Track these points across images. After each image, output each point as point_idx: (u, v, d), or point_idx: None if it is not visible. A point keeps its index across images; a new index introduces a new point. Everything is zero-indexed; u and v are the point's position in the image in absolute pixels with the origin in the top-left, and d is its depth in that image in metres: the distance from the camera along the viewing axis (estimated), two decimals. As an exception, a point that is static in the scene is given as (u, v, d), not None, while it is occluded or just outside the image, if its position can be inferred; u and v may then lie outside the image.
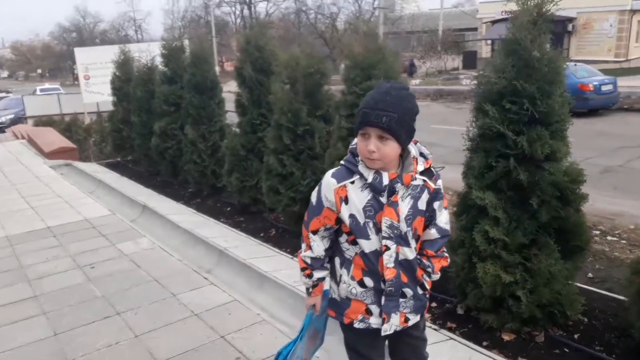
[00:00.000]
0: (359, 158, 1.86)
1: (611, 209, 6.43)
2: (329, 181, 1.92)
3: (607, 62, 25.43)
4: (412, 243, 1.91)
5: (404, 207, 1.85)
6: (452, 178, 4.00)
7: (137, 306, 4.02)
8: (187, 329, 3.67)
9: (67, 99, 23.25)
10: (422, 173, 1.88)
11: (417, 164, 1.87)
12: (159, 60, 8.95)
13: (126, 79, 10.35)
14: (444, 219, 1.98)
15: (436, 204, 1.94)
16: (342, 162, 1.93)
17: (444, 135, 11.12)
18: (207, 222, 6.31)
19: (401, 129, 1.76)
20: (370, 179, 1.83)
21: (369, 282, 1.94)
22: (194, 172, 7.52)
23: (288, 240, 5.62)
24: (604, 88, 14.74)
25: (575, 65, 16.52)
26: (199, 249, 5.44)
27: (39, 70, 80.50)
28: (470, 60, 33.75)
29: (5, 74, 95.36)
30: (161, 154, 8.57)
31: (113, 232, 5.95)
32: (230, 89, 13.41)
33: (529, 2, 2.92)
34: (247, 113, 6.29)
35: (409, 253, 1.91)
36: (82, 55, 16.49)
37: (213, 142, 7.40)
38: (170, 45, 8.38)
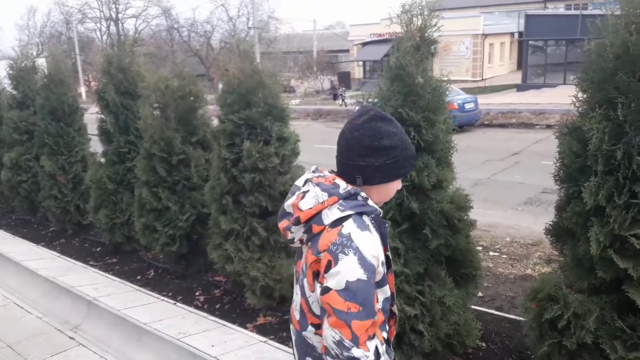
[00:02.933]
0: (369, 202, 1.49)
1: (486, 221, 6.73)
2: (371, 238, 1.42)
3: (465, 81, 27.61)
4: None
5: None
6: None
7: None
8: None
9: None
10: None
11: None
12: (6, 82, 7.86)
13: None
14: None
15: None
16: (351, 210, 1.43)
17: (330, 156, 11.14)
18: (73, 267, 5.54)
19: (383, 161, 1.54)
20: (384, 227, 1.52)
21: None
22: (54, 208, 6.62)
23: (169, 281, 5.08)
24: (467, 106, 15.84)
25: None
26: (63, 301, 4.72)
27: None
28: (344, 80, 34.95)
29: None
30: (14, 188, 7.49)
31: (-50, 290, 4.97)
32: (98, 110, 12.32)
33: (411, 26, 2.83)
34: (113, 141, 5.66)
35: None
36: None
37: (74, 173, 6.58)
38: (19, 65, 7.39)
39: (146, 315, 4.12)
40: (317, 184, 1.50)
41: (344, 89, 26.78)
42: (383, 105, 2.87)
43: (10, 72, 7.49)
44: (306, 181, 1.55)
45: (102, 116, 5.73)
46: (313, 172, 1.60)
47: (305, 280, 1.50)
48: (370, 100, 3.01)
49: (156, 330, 3.84)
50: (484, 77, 30.08)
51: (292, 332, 1.67)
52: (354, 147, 1.47)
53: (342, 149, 1.51)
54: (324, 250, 1.39)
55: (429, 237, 2.98)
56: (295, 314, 1.60)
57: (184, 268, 5.12)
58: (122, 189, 5.70)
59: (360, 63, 35.53)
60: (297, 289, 1.60)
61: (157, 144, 4.70)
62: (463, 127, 16.30)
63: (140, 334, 3.92)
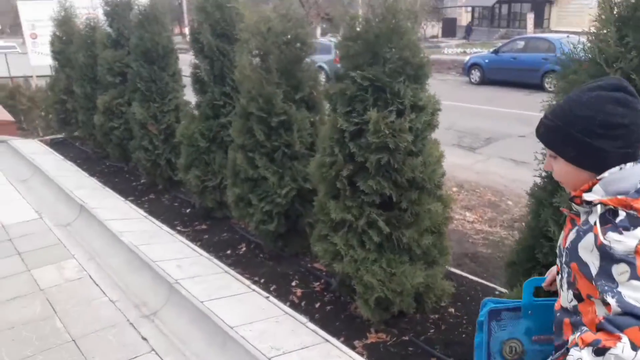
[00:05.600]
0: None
1: None
2: None
3: (587, 33, 24.19)
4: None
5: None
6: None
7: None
8: None
9: (17, 59, 21.02)
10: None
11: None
12: (103, 19, 7.35)
13: (67, 40, 8.68)
14: None
15: None
16: None
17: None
18: (158, 233, 4.97)
19: (561, 141, 1.34)
20: None
21: None
22: (144, 161, 6.09)
23: (262, 262, 4.34)
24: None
25: (567, 37, 15.34)
26: (143, 276, 4.14)
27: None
28: (449, 27, 32.31)
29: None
30: (106, 134, 7.08)
31: (33, 248, 4.57)
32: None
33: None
34: (207, 91, 4.88)
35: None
36: (27, 10, 14.36)
37: (167, 124, 5.96)
38: (114, 0, 6.79)
39: (234, 314, 3.39)
40: None
41: None
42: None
43: (106, 7, 6.92)
44: None
45: (197, 61, 4.94)
46: None
47: None
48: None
49: (244, 340, 3.08)
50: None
51: None
52: None
53: None
54: None
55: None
56: None
57: (281, 249, 4.33)
58: (215, 147, 4.96)
59: (469, 8, 32.49)
60: None
61: (255, 101, 3.83)
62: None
63: (225, 339, 3.20)
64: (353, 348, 3.12)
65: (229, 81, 4.78)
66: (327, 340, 3.13)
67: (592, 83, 1.32)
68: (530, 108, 11.78)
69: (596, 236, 1.24)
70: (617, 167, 1.28)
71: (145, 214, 5.49)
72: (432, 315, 3.22)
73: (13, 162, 8.01)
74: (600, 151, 1.28)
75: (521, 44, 16.03)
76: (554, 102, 1.42)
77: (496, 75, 15.68)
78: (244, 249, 4.65)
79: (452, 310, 3.27)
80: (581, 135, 1.28)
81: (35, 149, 8.72)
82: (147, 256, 4.30)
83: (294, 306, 3.64)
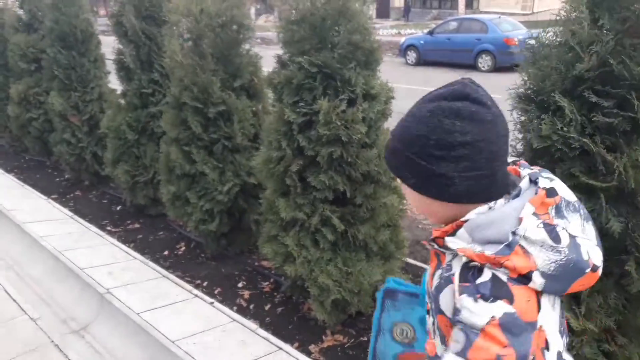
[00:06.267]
0: None
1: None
2: None
3: (514, 14, 24.96)
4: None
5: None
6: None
7: None
8: None
9: None
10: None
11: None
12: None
13: (-28, 22, 7.81)
14: None
15: None
16: None
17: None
18: (86, 234, 4.53)
19: (402, 166, 1.04)
20: None
21: None
22: (67, 155, 5.55)
23: (203, 263, 4.03)
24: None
25: (499, 17, 15.71)
26: (70, 286, 3.75)
27: None
28: (383, 8, 32.52)
29: None
30: (24, 127, 6.43)
31: (-64, 260, 4.02)
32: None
33: None
34: (134, 79, 4.45)
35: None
36: None
37: (90, 114, 5.44)
38: (23, -23, 6.11)
39: (175, 325, 3.09)
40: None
41: None
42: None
43: (14, -15, 6.23)
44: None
45: (120, 46, 4.48)
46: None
47: None
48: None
49: (188, 356, 2.80)
50: (534, 11, 27.26)
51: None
52: None
53: None
54: None
55: None
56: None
57: (224, 248, 4.04)
58: (145, 139, 4.56)
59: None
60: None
61: (189, 90, 3.48)
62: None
63: (166, 355, 2.90)
64: (309, 354, 2.91)
65: (158, 67, 4.38)
66: (280, 348, 2.91)
67: (436, 90, 1.05)
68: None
69: (454, 291, 1.01)
70: (486, 207, 1.00)
71: (70, 214, 5.01)
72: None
73: None
74: (442, 177, 1.00)
75: (455, 24, 16.25)
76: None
77: (432, 56, 15.83)
78: (183, 248, 4.32)
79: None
80: (418, 158, 1.00)
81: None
82: (73, 263, 3.89)
83: (242, 311, 3.37)
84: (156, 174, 4.49)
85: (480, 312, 0.93)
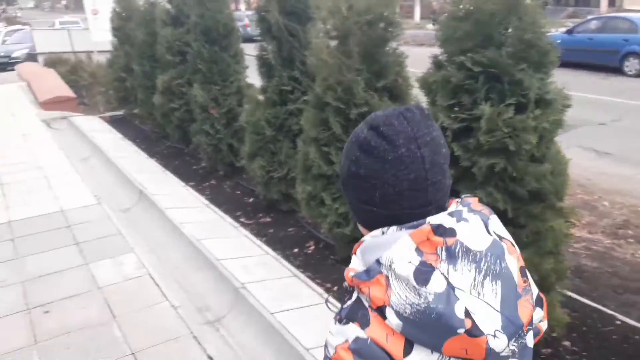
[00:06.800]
0: None
1: None
2: None
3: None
4: None
5: None
6: None
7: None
8: None
9: (80, 35, 21.31)
10: None
11: None
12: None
13: (127, 16, 8.48)
14: None
15: None
16: None
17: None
18: (221, 225, 4.67)
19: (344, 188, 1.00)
20: None
21: None
22: (205, 145, 5.79)
23: (333, 267, 3.93)
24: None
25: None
26: (206, 276, 3.84)
27: (64, 2, 77.79)
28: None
29: (31, 3, 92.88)
30: (166, 115, 6.83)
31: (92, 238, 4.36)
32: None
33: None
34: (274, 76, 4.46)
35: None
36: (88, -14, 14.44)
37: (229, 107, 5.61)
38: (173, -26, 6.45)
39: (310, 332, 3.00)
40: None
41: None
42: None
43: (164, -18, 6.61)
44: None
45: (264, 43, 4.52)
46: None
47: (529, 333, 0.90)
48: None
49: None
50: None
51: None
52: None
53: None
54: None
55: None
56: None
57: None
58: (281, 136, 4.56)
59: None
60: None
61: (333, 90, 3.37)
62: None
63: (299, 361, 2.83)
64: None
65: (299, 64, 4.34)
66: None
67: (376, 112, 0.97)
68: (608, 93, 10.77)
69: None
70: (380, 231, 0.92)
71: (206, 202, 5.21)
72: (544, 350, 2.73)
73: (74, 140, 7.96)
74: (351, 204, 0.99)
75: (597, 23, 14.74)
76: None
77: (570, 57, 14.51)
78: (312, 247, 4.27)
79: (568, 343, 2.76)
80: (341, 182, 1.00)
81: (95, 126, 8.66)
82: (210, 253, 4.00)
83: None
84: (290, 171, 4.49)
85: (335, 333, 0.89)
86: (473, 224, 0.90)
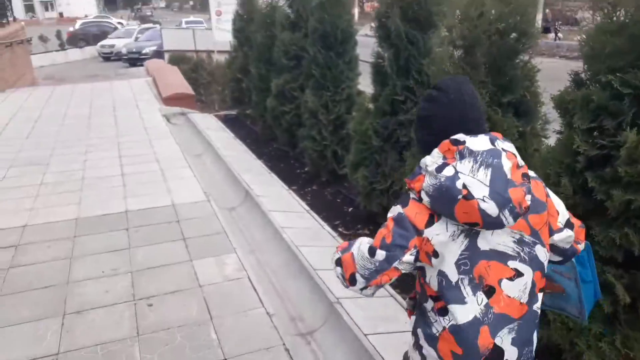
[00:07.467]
0: None
1: None
2: None
3: None
4: None
5: None
6: None
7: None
8: None
9: (203, 34, 22.62)
10: None
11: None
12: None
13: (248, 18, 8.78)
14: None
15: None
16: None
17: None
18: (319, 233, 4.60)
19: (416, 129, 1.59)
20: None
21: None
22: (311, 151, 5.78)
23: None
24: None
25: None
26: (301, 285, 3.78)
27: (191, 2, 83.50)
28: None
29: (162, 4, 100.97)
30: (277, 118, 6.95)
31: (198, 234, 4.48)
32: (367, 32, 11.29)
33: None
34: (388, 84, 4.30)
35: None
36: (215, -13, 15.28)
37: (337, 114, 5.55)
38: (296, -22, 6.53)
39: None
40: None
41: (559, 22, 25.50)
42: None
43: (287, -14, 6.71)
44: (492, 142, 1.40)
45: (380, 50, 4.38)
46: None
47: (539, 246, 1.43)
48: None
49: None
50: None
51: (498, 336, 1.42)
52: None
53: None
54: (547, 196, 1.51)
55: None
56: (516, 302, 1.42)
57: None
58: (388, 147, 4.40)
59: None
60: (522, 277, 1.42)
61: (452, 103, 3.15)
62: None
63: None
64: None
65: (414, 74, 4.14)
66: None
67: None
68: None
69: None
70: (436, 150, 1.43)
71: (307, 208, 5.18)
72: None
73: (190, 135, 8.37)
74: (418, 140, 1.56)
75: None
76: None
77: None
78: (412, 267, 4.05)
79: None
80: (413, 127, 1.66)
81: (209, 124, 9.06)
82: (307, 261, 3.94)
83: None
84: (393, 184, 4.32)
85: (391, 210, 1.46)
86: (480, 138, 1.37)
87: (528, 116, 3.22)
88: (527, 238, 1.40)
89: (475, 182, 1.28)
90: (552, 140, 2.87)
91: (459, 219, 1.31)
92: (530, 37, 3.11)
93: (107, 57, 26.15)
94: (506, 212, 1.27)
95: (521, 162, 1.37)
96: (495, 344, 1.40)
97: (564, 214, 1.54)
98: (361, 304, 3.39)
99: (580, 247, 1.60)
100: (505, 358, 1.42)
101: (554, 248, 1.55)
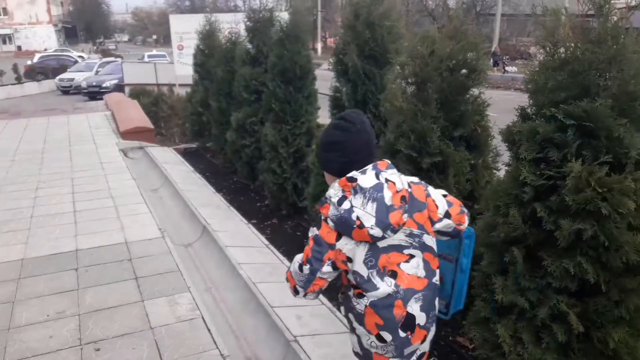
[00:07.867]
0: None
1: None
2: None
3: None
4: None
5: None
6: None
7: None
8: None
9: (164, 68, 22.52)
10: None
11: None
12: (244, 34, 7.22)
13: (209, 53, 8.80)
14: None
15: None
16: None
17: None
18: (279, 268, 4.52)
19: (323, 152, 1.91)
20: None
21: None
22: (271, 184, 5.74)
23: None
24: None
25: None
26: (259, 324, 3.68)
27: (154, 37, 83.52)
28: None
29: (125, 37, 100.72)
30: (237, 151, 6.90)
31: (151, 273, 4.32)
32: (329, 66, 11.46)
33: None
34: (346, 118, 4.34)
35: None
36: (177, 23, 15.30)
37: (297, 147, 5.55)
38: (256, 15, 6.59)
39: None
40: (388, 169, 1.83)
41: (507, 57, 27.24)
42: None
43: (248, 23, 6.77)
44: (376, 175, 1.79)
45: (337, 84, 4.43)
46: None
47: (425, 235, 1.85)
48: None
49: None
50: None
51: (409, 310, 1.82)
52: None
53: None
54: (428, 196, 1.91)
55: None
56: (415, 277, 1.83)
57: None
58: (347, 180, 4.40)
59: None
60: (414, 258, 1.84)
61: (406, 137, 3.19)
62: None
63: None
64: None
65: (371, 108, 4.20)
66: None
67: None
68: None
69: None
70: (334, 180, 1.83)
71: (266, 242, 5.10)
72: None
73: (147, 170, 8.19)
74: (327, 160, 1.88)
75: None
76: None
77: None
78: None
79: None
80: (320, 150, 1.91)
81: (168, 158, 8.91)
82: (264, 298, 3.84)
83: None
84: (353, 217, 4.30)
85: (310, 231, 1.84)
86: (368, 174, 1.74)
87: (479, 149, 3.29)
88: (416, 231, 1.80)
89: (365, 214, 1.68)
90: (502, 173, 2.93)
91: (355, 238, 1.73)
92: (480, 73, 3.20)
93: (66, 90, 25.63)
94: (388, 232, 1.72)
95: (400, 187, 1.74)
96: (407, 312, 1.79)
97: (443, 207, 1.91)
98: (319, 342, 3.32)
99: (463, 227, 2.00)
100: (417, 322, 1.81)
101: (440, 233, 1.95)
